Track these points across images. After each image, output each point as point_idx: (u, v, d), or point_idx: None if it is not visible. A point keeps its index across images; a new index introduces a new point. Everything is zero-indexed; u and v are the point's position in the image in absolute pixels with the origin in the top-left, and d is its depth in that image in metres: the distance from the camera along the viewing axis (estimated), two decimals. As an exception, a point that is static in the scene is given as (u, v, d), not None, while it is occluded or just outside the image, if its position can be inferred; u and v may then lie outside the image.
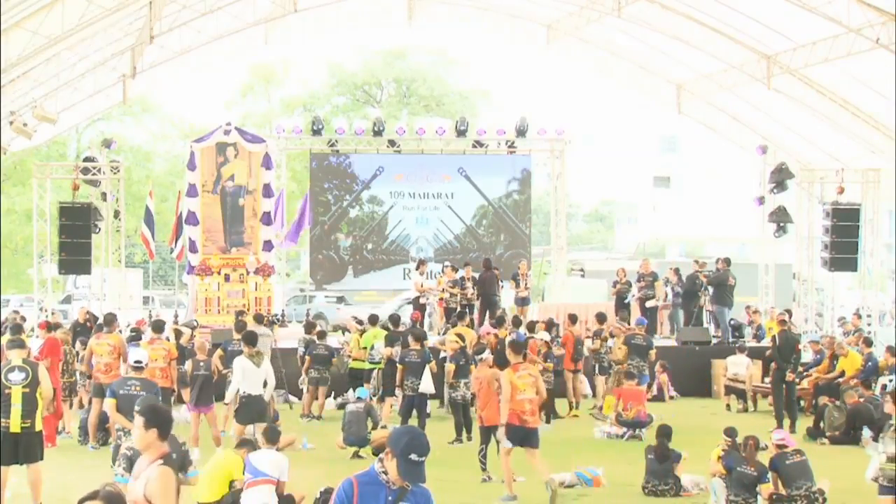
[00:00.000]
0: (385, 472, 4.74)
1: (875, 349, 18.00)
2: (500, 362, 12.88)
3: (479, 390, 12.77)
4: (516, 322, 18.63)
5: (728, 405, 18.49)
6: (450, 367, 15.00)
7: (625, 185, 57.91)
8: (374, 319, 17.73)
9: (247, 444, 10.13)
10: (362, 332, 17.78)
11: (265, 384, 12.67)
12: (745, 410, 18.14)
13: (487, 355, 13.17)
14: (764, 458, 10.70)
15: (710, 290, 21.24)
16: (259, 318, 17.62)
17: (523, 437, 10.87)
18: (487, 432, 11.99)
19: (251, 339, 13.17)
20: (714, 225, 51.91)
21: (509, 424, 10.86)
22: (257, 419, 12.38)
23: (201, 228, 21.92)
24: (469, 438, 14.58)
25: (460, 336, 15.60)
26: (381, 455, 4.83)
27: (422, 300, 21.69)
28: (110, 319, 14.82)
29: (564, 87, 51.49)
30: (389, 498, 4.73)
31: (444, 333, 18.68)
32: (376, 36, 41.92)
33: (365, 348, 17.25)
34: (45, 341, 14.96)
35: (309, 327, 18.37)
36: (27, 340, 12.55)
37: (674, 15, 22.77)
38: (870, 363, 17.03)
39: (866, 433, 14.55)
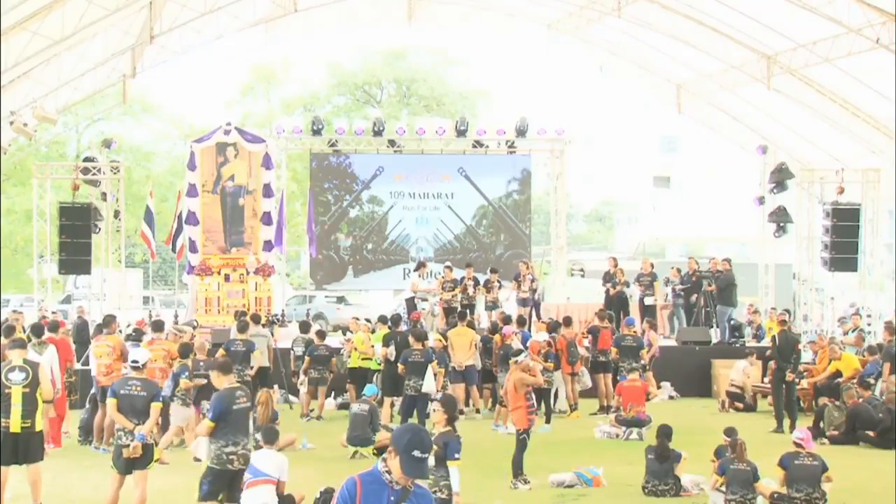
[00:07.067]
0: (388, 472, 4.73)
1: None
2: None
3: (506, 393, 12.30)
4: (521, 322, 18.61)
5: (723, 402, 18.42)
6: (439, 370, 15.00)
7: (625, 185, 57.91)
8: (384, 319, 17.53)
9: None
10: (372, 330, 17.74)
11: None
12: (744, 409, 18.10)
13: (523, 357, 12.46)
14: (776, 454, 10.68)
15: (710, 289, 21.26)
16: (256, 319, 17.59)
17: None
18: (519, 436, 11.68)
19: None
20: (714, 225, 51.83)
21: None
22: None
23: (201, 228, 21.95)
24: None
25: (444, 336, 15.48)
26: (384, 455, 4.82)
27: (416, 301, 21.60)
28: (109, 321, 14.76)
29: (564, 87, 51.56)
30: (392, 498, 4.71)
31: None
32: (376, 36, 41.88)
33: (373, 346, 17.20)
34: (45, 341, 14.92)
35: (304, 327, 18.18)
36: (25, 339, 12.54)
37: (674, 15, 22.77)
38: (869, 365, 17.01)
39: None
